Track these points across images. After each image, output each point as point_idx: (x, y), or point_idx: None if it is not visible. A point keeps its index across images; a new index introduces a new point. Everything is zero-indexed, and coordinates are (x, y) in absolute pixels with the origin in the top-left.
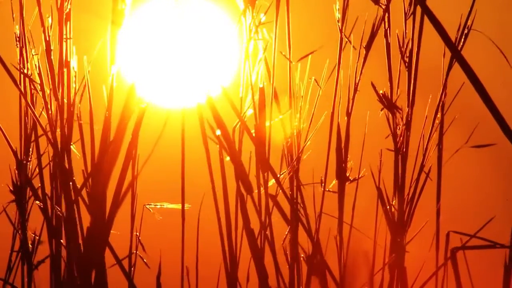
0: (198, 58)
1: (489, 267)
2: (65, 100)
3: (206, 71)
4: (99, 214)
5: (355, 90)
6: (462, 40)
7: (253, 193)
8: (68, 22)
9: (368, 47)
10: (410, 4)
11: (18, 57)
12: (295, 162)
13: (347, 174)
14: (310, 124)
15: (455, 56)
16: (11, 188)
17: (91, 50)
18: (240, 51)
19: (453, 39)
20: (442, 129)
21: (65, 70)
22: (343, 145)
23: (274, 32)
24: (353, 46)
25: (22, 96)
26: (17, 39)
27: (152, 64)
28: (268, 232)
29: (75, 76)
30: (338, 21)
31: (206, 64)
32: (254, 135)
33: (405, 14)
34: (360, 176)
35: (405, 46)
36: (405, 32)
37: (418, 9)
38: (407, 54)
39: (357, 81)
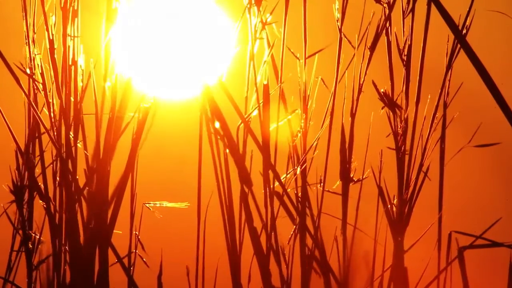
0: (200, 54)
1: (485, 268)
2: (72, 98)
3: (206, 67)
4: (101, 214)
5: (360, 91)
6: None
7: (252, 186)
8: (76, 19)
9: (372, 48)
10: (408, 2)
11: (28, 57)
12: (301, 164)
13: (351, 175)
14: (322, 125)
15: (459, 40)
16: (12, 188)
17: (95, 48)
18: (246, 50)
19: (452, 40)
20: (445, 129)
21: (72, 68)
22: (347, 145)
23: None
24: (353, 46)
25: (25, 95)
26: (26, 38)
27: (154, 58)
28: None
29: (82, 74)
30: (337, 20)
31: (206, 60)
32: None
33: (403, 12)
34: (364, 177)
35: (403, 44)
36: (403, 30)
37: (417, 7)
38: (405, 52)
39: (361, 82)
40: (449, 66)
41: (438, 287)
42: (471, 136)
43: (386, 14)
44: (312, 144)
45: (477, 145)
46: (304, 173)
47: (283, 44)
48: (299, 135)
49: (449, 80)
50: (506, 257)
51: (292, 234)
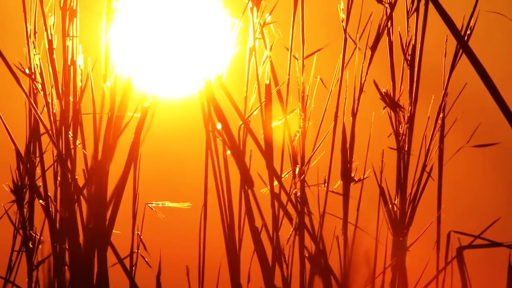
0: (199, 53)
1: (484, 268)
2: (71, 98)
3: (206, 66)
4: (101, 214)
5: (361, 90)
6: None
7: (253, 187)
8: (75, 19)
9: (373, 48)
10: (412, 2)
11: (27, 57)
12: (303, 168)
13: (352, 175)
14: (320, 126)
15: (461, 45)
16: (12, 188)
17: (94, 48)
18: (245, 50)
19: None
20: (443, 129)
21: (71, 68)
22: (348, 145)
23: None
24: (359, 47)
25: (25, 96)
26: (27, 37)
27: (154, 57)
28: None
29: (81, 74)
30: (342, 21)
31: (206, 59)
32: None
33: (408, 11)
34: (365, 176)
35: (407, 44)
36: (408, 30)
37: (421, 6)
38: (409, 52)
39: (362, 82)
40: (452, 68)
41: (437, 287)
42: (472, 136)
43: (388, 14)
44: (318, 147)
45: (475, 145)
46: (303, 174)
47: (291, 44)
48: (298, 135)
49: (448, 82)
50: (505, 257)
51: (291, 234)
